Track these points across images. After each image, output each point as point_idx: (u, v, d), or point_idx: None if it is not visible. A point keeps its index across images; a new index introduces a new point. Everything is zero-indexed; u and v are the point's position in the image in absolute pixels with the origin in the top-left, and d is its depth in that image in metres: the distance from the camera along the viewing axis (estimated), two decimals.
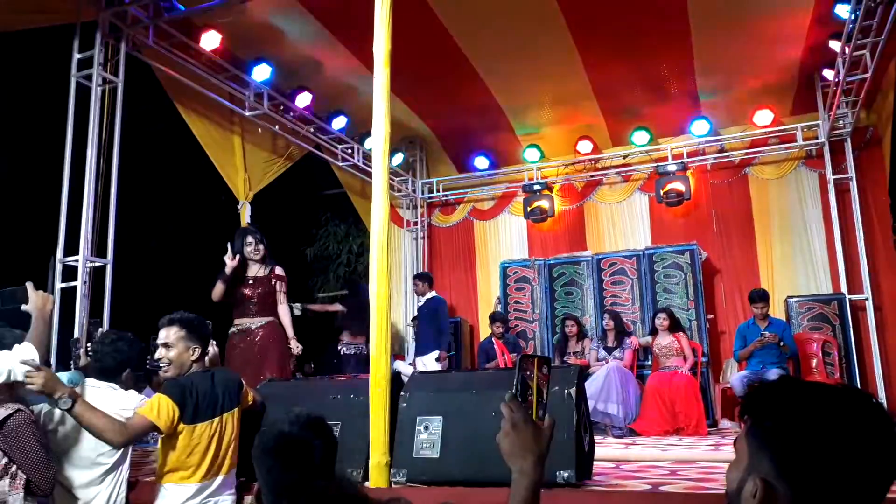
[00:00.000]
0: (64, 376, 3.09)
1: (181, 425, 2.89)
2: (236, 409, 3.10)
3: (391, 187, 9.33)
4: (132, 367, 3.18)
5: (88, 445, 3.00)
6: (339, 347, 8.09)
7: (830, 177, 7.85)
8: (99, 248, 5.51)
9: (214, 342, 3.35)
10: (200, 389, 2.96)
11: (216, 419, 2.98)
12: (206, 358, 3.16)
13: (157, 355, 3.00)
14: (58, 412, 3.02)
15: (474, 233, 9.84)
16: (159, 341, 3.02)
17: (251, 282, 5.03)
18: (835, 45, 6.45)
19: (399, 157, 9.28)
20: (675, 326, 7.22)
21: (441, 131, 9.22)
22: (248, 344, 4.90)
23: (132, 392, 3.18)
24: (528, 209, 9.19)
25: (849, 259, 7.72)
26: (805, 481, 0.86)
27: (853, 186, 7.74)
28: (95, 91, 5.56)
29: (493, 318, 8.03)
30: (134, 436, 2.81)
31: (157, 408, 2.83)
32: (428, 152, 9.89)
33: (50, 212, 5.48)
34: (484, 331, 8.80)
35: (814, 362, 7.19)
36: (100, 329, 5.06)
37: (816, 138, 8.01)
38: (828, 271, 7.98)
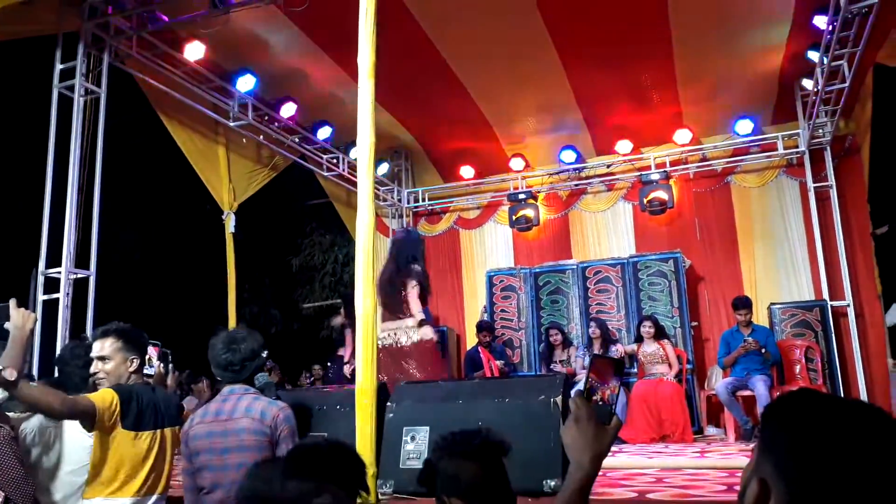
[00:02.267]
0: None
1: (118, 428, 2.76)
2: (176, 428, 2.98)
3: (377, 197, 9.34)
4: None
5: (69, 462, 2.98)
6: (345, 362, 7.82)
7: (811, 185, 7.95)
8: (81, 260, 5.46)
9: (161, 364, 3.27)
10: (144, 398, 2.85)
11: (158, 431, 2.87)
12: (146, 372, 3.06)
13: (92, 369, 2.87)
14: (36, 429, 2.99)
15: (460, 242, 9.85)
16: (94, 354, 2.89)
17: None
18: (813, 56, 6.54)
19: (384, 167, 9.29)
20: (660, 334, 7.27)
21: (426, 141, 9.24)
22: None
23: None
24: (514, 218, 9.22)
25: (830, 266, 7.81)
26: (801, 484, 0.88)
27: (833, 194, 7.84)
28: (78, 102, 5.53)
29: (480, 326, 8.03)
30: (74, 409, 2.67)
31: (101, 395, 2.74)
32: (413, 162, 9.91)
33: (32, 223, 5.43)
34: (470, 339, 8.80)
35: (797, 369, 7.25)
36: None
37: (797, 147, 8.11)
38: (810, 278, 8.06)
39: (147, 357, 3.26)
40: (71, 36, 5.61)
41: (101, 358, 2.88)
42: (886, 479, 0.85)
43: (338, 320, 8.44)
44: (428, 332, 5.07)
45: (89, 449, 3.00)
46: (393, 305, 5.19)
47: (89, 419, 2.72)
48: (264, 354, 3.09)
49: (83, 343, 3.52)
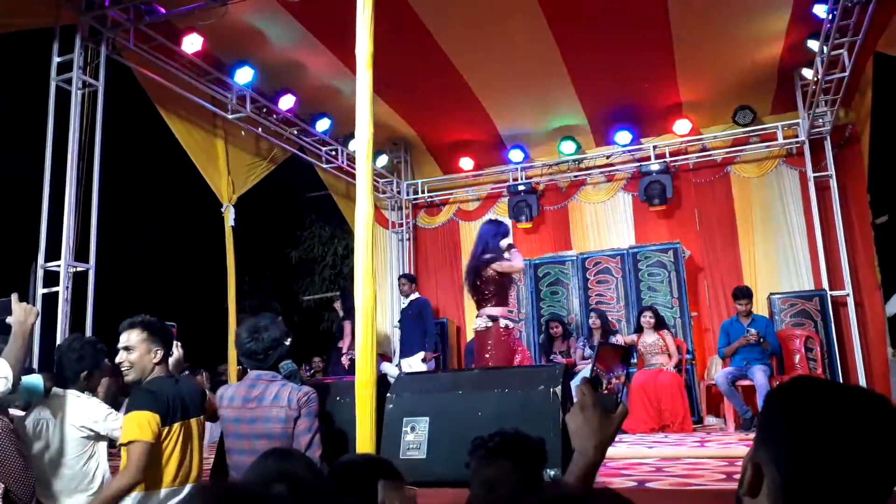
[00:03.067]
0: (27, 380, 3.03)
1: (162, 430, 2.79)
2: (202, 417, 3.02)
3: (376, 189, 9.32)
4: (90, 370, 3.15)
5: (71, 454, 2.98)
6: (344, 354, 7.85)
7: (811, 174, 7.94)
8: (81, 253, 5.45)
9: (179, 343, 3.30)
10: (168, 392, 2.86)
11: (185, 422, 2.88)
12: (171, 360, 3.07)
13: (118, 359, 2.89)
14: (32, 422, 2.99)
15: (460, 233, 9.85)
16: (120, 345, 2.91)
17: None
18: (813, 45, 6.52)
19: (384, 159, 9.27)
20: (660, 324, 7.28)
21: (425, 133, 9.22)
22: None
23: (95, 400, 3.16)
24: (513, 209, 9.21)
25: (830, 256, 7.81)
26: (791, 468, 0.89)
27: (833, 184, 7.83)
28: (76, 95, 5.51)
29: None
30: (143, 466, 2.67)
31: (140, 426, 2.70)
32: (412, 154, 9.89)
33: (31, 216, 5.42)
34: (470, 331, 8.80)
35: (796, 358, 7.26)
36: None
37: (796, 136, 8.09)
38: (809, 268, 8.06)
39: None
40: (68, 28, 5.58)
41: (126, 348, 2.90)
42: (874, 462, 0.86)
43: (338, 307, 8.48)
44: (486, 321, 5.20)
45: (84, 442, 3.02)
46: (475, 294, 5.36)
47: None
48: (288, 342, 3.15)
49: (82, 337, 3.53)
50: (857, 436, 0.86)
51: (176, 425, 2.84)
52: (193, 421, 2.94)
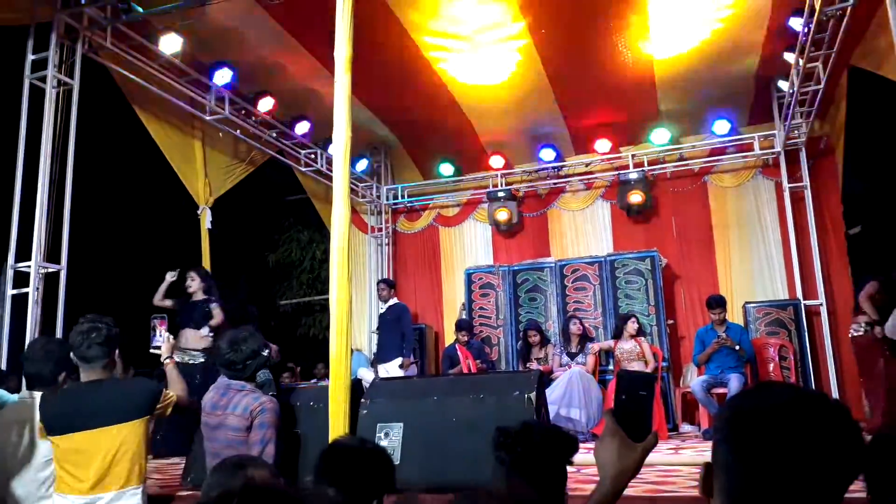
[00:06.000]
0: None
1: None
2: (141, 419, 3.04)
3: (355, 193, 9.31)
4: (68, 371, 3.12)
5: (38, 459, 2.93)
6: None
7: (786, 185, 8.04)
8: (52, 254, 5.36)
9: (170, 336, 3.49)
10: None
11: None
12: (154, 344, 3.38)
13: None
14: (3, 425, 2.93)
15: (439, 239, 9.84)
16: None
17: None
18: (789, 57, 6.60)
19: (363, 163, 9.24)
20: (638, 331, 7.33)
21: (405, 137, 9.21)
22: None
23: None
24: (493, 216, 9.23)
25: (804, 265, 7.91)
26: (735, 468, 0.89)
27: (808, 194, 7.94)
28: (50, 93, 5.42)
29: (459, 325, 8.02)
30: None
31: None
32: (393, 158, 9.87)
33: (1, 216, 5.32)
34: (449, 337, 8.80)
35: (770, 366, 7.34)
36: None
37: (773, 147, 8.19)
38: (784, 277, 8.16)
39: (153, 329, 3.50)
40: (44, 26, 5.50)
41: None
42: (814, 465, 0.85)
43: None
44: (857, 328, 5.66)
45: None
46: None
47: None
48: (266, 353, 3.33)
49: (54, 339, 3.49)
50: (795, 438, 0.86)
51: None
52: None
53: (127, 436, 2.85)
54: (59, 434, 2.82)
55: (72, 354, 2.95)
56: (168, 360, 3.38)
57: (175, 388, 3.17)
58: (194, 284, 6.18)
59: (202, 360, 5.90)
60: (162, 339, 3.49)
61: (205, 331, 6.02)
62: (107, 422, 2.84)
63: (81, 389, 2.93)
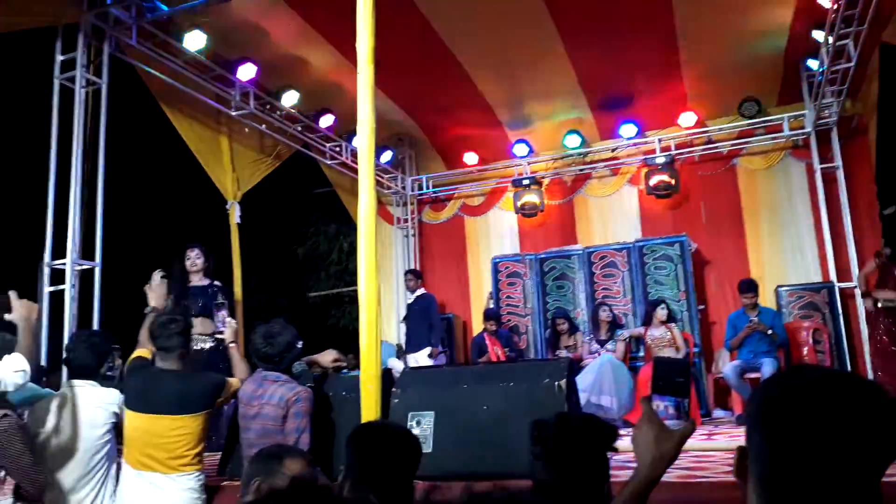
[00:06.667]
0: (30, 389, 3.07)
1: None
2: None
3: (381, 185, 9.33)
4: (109, 361, 3.29)
5: (82, 447, 3.00)
6: None
7: (817, 166, 7.88)
8: (87, 251, 5.46)
9: (234, 321, 3.86)
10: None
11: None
12: (217, 328, 3.82)
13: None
14: (45, 414, 3.01)
15: (465, 229, 9.83)
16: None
17: None
18: (818, 35, 6.46)
19: (388, 155, 9.25)
20: (668, 318, 7.27)
21: (429, 128, 9.20)
22: None
23: (112, 390, 3.21)
24: (519, 204, 9.18)
25: (837, 247, 7.76)
26: (766, 452, 0.89)
27: (840, 175, 7.77)
28: (79, 93, 5.51)
29: (487, 315, 8.03)
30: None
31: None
32: (417, 149, 9.88)
33: (37, 215, 5.43)
34: (477, 326, 8.80)
35: (804, 350, 7.23)
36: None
37: (803, 128, 8.03)
38: (817, 260, 8.01)
39: (220, 316, 3.96)
40: (71, 27, 5.59)
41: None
42: (846, 448, 0.83)
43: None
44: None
45: (102, 433, 3.06)
46: None
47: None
48: (300, 345, 3.44)
49: (97, 331, 3.67)
50: (828, 419, 0.84)
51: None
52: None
53: (189, 425, 3.11)
54: (131, 410, 3.11)
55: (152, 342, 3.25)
56: (233, 345, 3.63)
57: (239, 373, 3.43)
58: (199, 263, 5.64)
59: (211, 343, 5.38)
60: (224, 324, 3.80)
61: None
62: (172, 411, 3.09)
63: (158, 376, 3.20)
